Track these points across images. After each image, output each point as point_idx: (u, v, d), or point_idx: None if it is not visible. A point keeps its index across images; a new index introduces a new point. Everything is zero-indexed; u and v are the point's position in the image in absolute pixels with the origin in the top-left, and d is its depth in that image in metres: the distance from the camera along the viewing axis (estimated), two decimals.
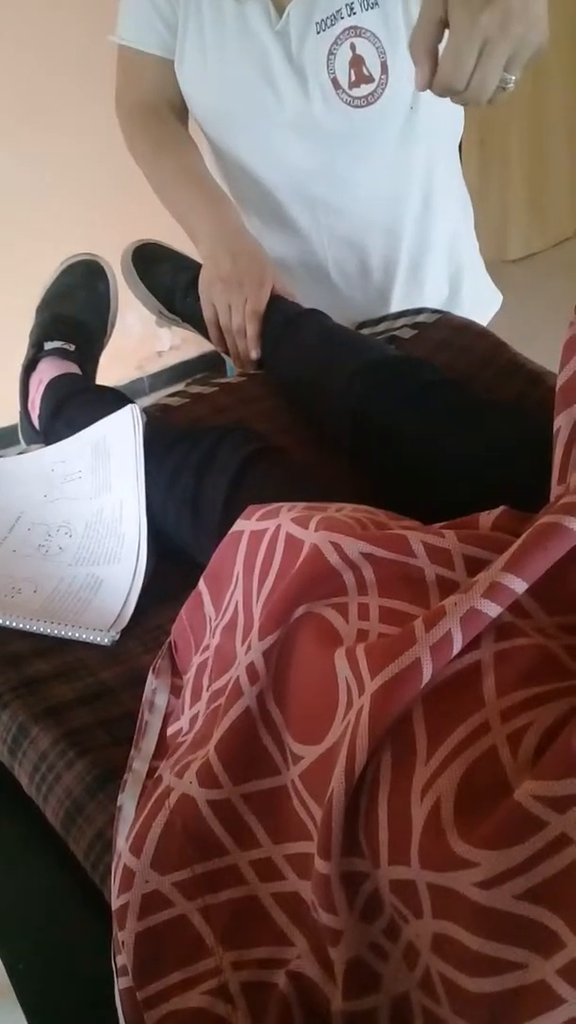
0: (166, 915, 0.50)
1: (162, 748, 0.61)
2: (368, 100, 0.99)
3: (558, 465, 0.54)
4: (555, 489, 0.54)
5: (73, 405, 0.95)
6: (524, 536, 0.45)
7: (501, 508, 0.55)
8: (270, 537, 0.58)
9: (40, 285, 1.13)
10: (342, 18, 0.96)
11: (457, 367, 0.96)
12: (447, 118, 1.12)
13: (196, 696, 0.60)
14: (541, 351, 0.98)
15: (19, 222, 2.00)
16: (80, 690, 0.67)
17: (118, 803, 0.57)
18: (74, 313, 1.08)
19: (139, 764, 0.60)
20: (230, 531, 0.62)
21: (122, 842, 0.54)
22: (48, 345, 1.03)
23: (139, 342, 2.37)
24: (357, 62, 0.97)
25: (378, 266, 1.16)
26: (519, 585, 0.45)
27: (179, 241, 1.13)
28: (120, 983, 0.50)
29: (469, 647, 0.45)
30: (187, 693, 0.61)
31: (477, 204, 1.23)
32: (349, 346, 0.91)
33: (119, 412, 0.85)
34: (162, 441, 0.83)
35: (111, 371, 2.34)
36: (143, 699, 0.64)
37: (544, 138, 2.83)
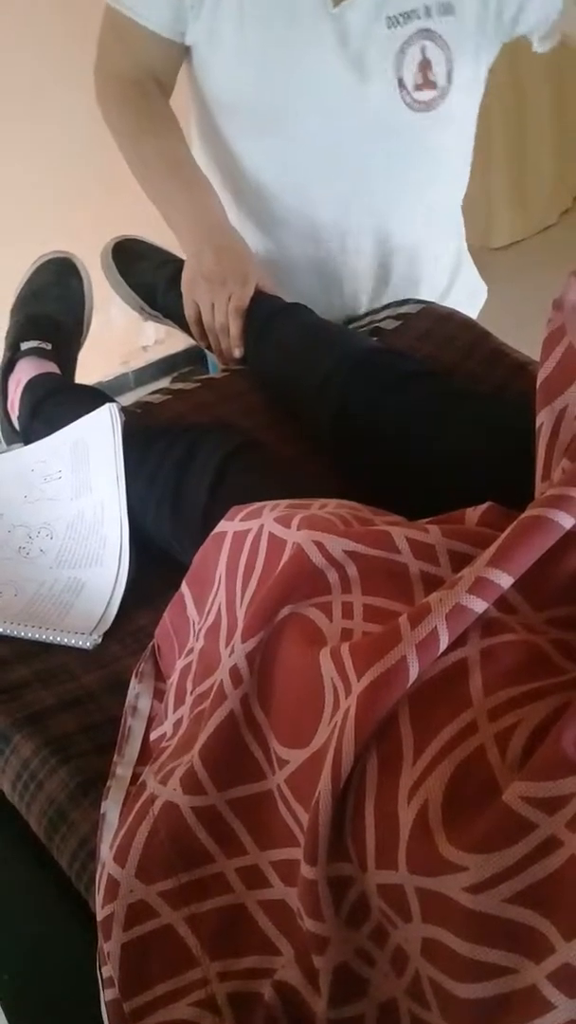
0: (152, 925, 0.49)
1: (145, 753, 0.60)
2: (428, 106, 0.97)
3: (541, 462, 0.53)
4: (539, 486, 0.54)
5: (52, 404, 0.94)
6: (509, 530, 0.44)
7: (487, 504, 0.54)
8: (253, 538, 0.57)
9: (18, 283, 1.11)
10: (418, 18, 0.93)
11: (440, 357, 0.95)
12: (469, 135, 1.10)
13: (180, 700, 0.59)
14: (526, 338, 0.97)
15: None
16: (62, 695, 0.66)
17: (101, 810, 0.56)
18: (49, 312, 1.06)
19: (122, 770, 0.59)
20: (213, 532, 0.61)
21: (106, 851, 0.53)
22: (25, 345, 1.01)
23: (123, 336, 2.34)
24: (425, 66, 0.95)
25: (373, 271, 1.12)
26: (505, 580, 0.44)
27: (162, 235, 1.11)
28: (106, 995, 0.49)
29: (455, 644, 0.44)
30: (170, 697, 0.60)
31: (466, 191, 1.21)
32: (329, 340, 0.90)
33: (97, 411, 0.84)
34: (142, 438, 0.82)
35: (95, 366, 2.32)
36: (126, 704, 0.63)
37: (526, 126, 2.81)
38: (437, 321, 1.03)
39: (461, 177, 1.14)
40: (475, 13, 0.94)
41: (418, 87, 0.95)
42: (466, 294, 1.22)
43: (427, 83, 0.95)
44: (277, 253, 1.11)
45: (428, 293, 1.16)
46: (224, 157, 1.07)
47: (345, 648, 0.46)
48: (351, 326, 1.08)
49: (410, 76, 0.95)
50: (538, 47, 1.01)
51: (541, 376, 0.56)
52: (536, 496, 0.53)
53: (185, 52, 1.02)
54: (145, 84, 1.03)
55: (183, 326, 1.07)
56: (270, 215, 1.08)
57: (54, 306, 1.06)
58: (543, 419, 0.54)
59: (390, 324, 1.03)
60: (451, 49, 0.94)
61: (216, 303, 0.97)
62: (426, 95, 0.96)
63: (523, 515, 0.45)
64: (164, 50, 1.01)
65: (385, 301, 1.14)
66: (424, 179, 1.06)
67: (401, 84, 0.95)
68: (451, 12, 0.93)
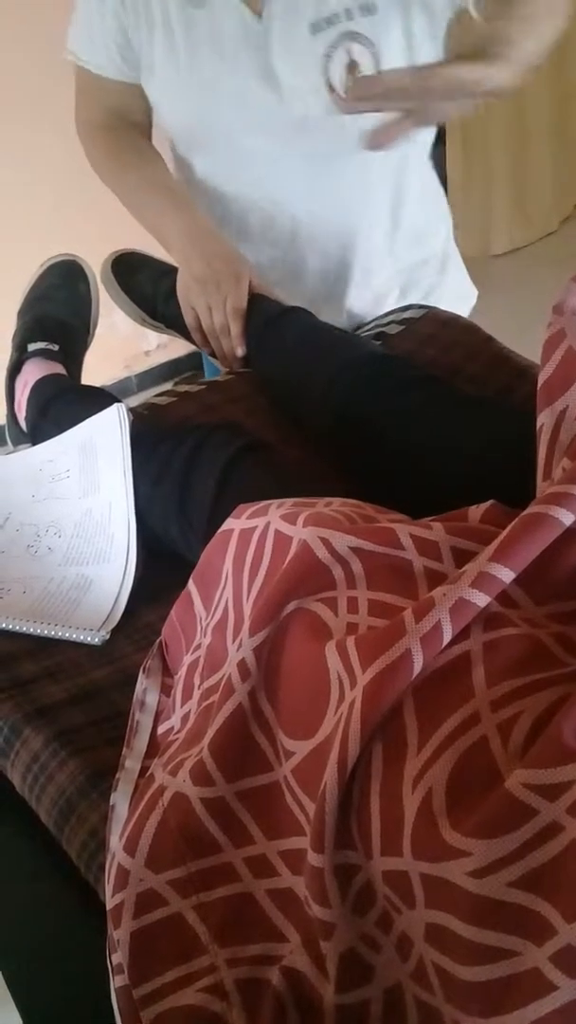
0: (161, 913, 0.50)
1: (153, 746, 0.61)
2: None
3: (542, 462, 0.54)
4: (540, 486, 0.55)
5: (60, 405, 0.95)
6: (511, 527, 0.46)
7: (490, 502, 0.55)
8: (259, 535, 0.58)
9: (24, 287, 1.13)
10: (340, 21, 0.92)
11: (444, 361, 0.97)
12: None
13: (187, 695, 0.60)
14: (527, 344, 0.98)
15: (1, 223, 1.99)
16: (71, 690, 0.67)
17: (111, 802, 0.57)
18: (56, 314, 1.07)
19: (131, 763, 0.60)
20: (219, 530, 0.62)
21: (115, 841, 0.54)
22: (32, 346, 1.03)
23: (126, 341, 2.36)
24: (352, 68, 0.94)
25: (355, 271, 1.14)
26: (506, 574, 0.45)
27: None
28: (116, 982, 0.50)
29: (458, 638, 0.45)
30: (178, 692, 0.61)
31: (461, 200, 1.22)
32: (331, 345, 0.91)
33: (105, 411, 0.85)
34: (149, 439, 0.83)
35: (98, 371, 2.34)
36: (134, 698, 0.64)
37: (526, 133, 2.84)
38: (440, 326, 1.04)
39: (424, 171, 1.13)
40: (397, 5, 0.91)
41: (347, 89, 0.93)
42: (453, 297, 1.22)
43: None
44: (259, 260, 1.12)
45: (414, 295, 1.17)
46: (191, 176, 1.10)
47: (350, 641, 0.47)
48: (357, 331, 1.10)
49: (338, 79, 0.94)
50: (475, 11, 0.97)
51: (542, 378, 0.57)
52: (537, 495, 0.54)
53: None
54: (117, 126, 1.07)
55: (185, 334, 1.09)
56: (237, 225, 1.10)
57: (61, 308, 1.08)
58: (544, 420, 0.56)
59: (394, 329, 1.04)
60: (377, 47, 0.93)
61: (212, 305, 0.99)
62: None
63: (524, 512, 0.46)
64: (125, 92, 1.03)
65: (383, 307, 1.15)
66: (376, 178, 1.06)
67: (331, 88, 0.94)
68: (373, 11, 0.92)
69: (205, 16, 0.94)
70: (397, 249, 1.15)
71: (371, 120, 0.98)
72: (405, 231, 1.15)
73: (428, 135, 1.13)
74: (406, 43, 0.95)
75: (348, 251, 1.12)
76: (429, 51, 0.97)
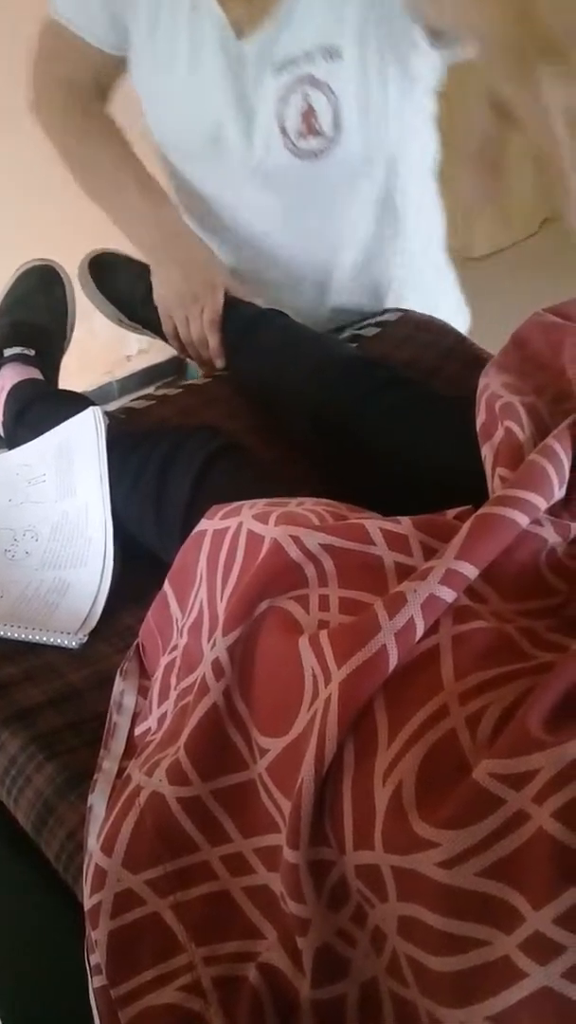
0: (138, 913, 0.51)
1: (131, 748, 0.61)
2: (316, 154, 0.91)
3: (490, 485, 0.58)
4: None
5: (36, 410, 0.95)
6: (470, 526, 0.47)
7: (467, 508, 0.56)
8: (232, 535, 0.58)
9: (0, 291, 1.13)
10: (299, 65, 0.87)
11: (420, 362, 0.97)
12: (415, 160, 1.03)
13: (164, 695, 0.60)
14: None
15: None
16: (49, 693, 0.67)
17: (88, 803, 0.57)
18: (32, 318, 1.07)
19: (109, 764, 0.60)
20: (194, 531, 0.62)
21: (93, 842, 0.54)
22: (8, 351, 1.03)
23: (107, 347, 2.36)
24: (308, 114, 0.89)
25: (329, 288, 1.11)
26: (471, 571, 0.46)
27: None
28: (94, 982, 0.50)
29: (427, 631, 0.46)
30: (155, 693, 0.62)
31: (441, 202, 1.20)
32: (306, 347, 0.92)
33: (81, 415, 0.85)
34: (126, 442, 0.83)
35: (79, 377, 2.33)
36: (111, 700, 0.64)
37: (507, 134, 2.86)
38: (415, 327, 1.05)
39: (415, 193, 1.06)
40: (358, 55, 0.85)
41: (300, 135, 0.90)
42: (450, 312, 1.18)
43: (311, 131, 0.89)
44: (247, 265, 1.10)
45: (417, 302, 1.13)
46: (164, 157, 1.07)
47: (323, 635, 0.48)
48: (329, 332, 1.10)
49: (293, 124, 0.89)
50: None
51: (479, 422, 0.65)
52: None
53: (124, 61, 1.00)
54: (83, 92, 1.02)
55: (162, 336, 1.09)
56: (212, 223, 1.08)
57: (37, 313, 1.08)
58: (485, 452, 0.61)
59: (370, 331, 1.05)
60: (338, 96, 0.87)
61: (190, 318, 0.99)
62: (311, 144, 0.90)
63: (479, 512, 0.47)
64: (102, 58, 0.99)
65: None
66: (341, 219, 1.02)
67: (284, 132, 0.90)
68: (337, 56, 0.85)
69: (191, 21, 0.89)
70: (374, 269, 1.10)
71: (341, 173, 0.93)
72: (386, 254, 1.09)
73: (427, 156, 1.06)
74: (372, 97, 0.88)
75: (323, 274, 1.08)
76: (396, 108, 0.91)
